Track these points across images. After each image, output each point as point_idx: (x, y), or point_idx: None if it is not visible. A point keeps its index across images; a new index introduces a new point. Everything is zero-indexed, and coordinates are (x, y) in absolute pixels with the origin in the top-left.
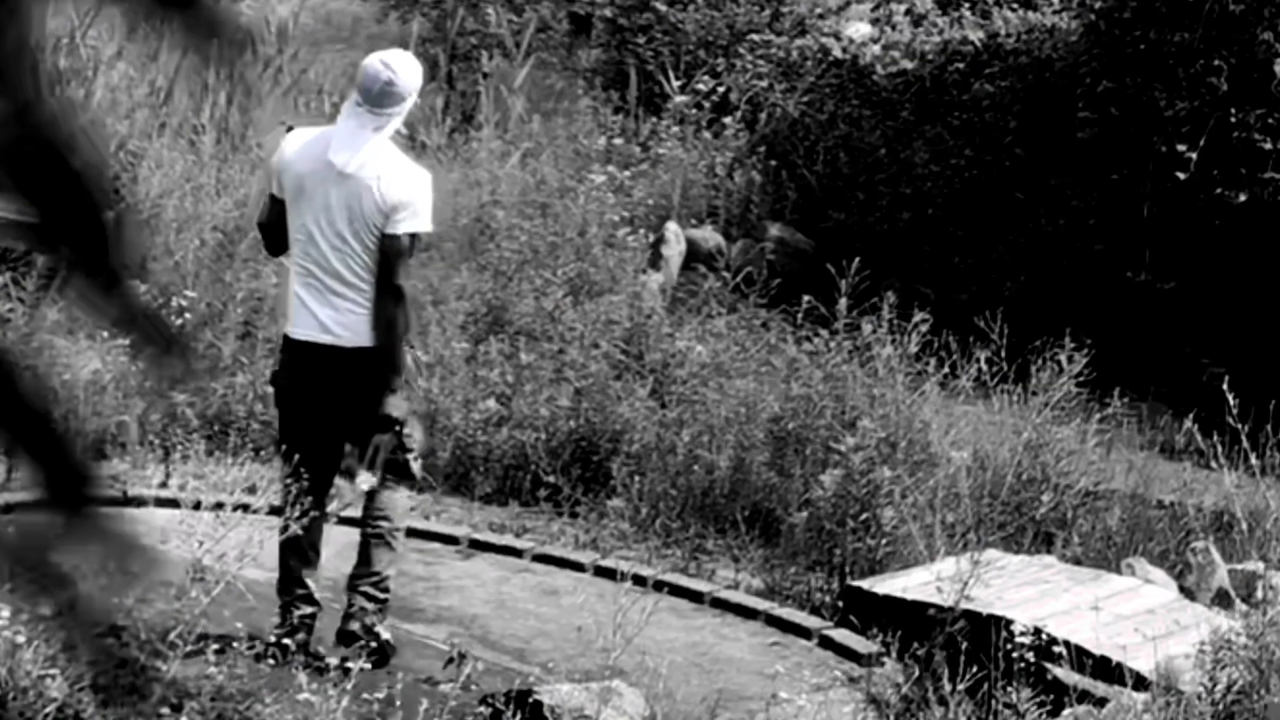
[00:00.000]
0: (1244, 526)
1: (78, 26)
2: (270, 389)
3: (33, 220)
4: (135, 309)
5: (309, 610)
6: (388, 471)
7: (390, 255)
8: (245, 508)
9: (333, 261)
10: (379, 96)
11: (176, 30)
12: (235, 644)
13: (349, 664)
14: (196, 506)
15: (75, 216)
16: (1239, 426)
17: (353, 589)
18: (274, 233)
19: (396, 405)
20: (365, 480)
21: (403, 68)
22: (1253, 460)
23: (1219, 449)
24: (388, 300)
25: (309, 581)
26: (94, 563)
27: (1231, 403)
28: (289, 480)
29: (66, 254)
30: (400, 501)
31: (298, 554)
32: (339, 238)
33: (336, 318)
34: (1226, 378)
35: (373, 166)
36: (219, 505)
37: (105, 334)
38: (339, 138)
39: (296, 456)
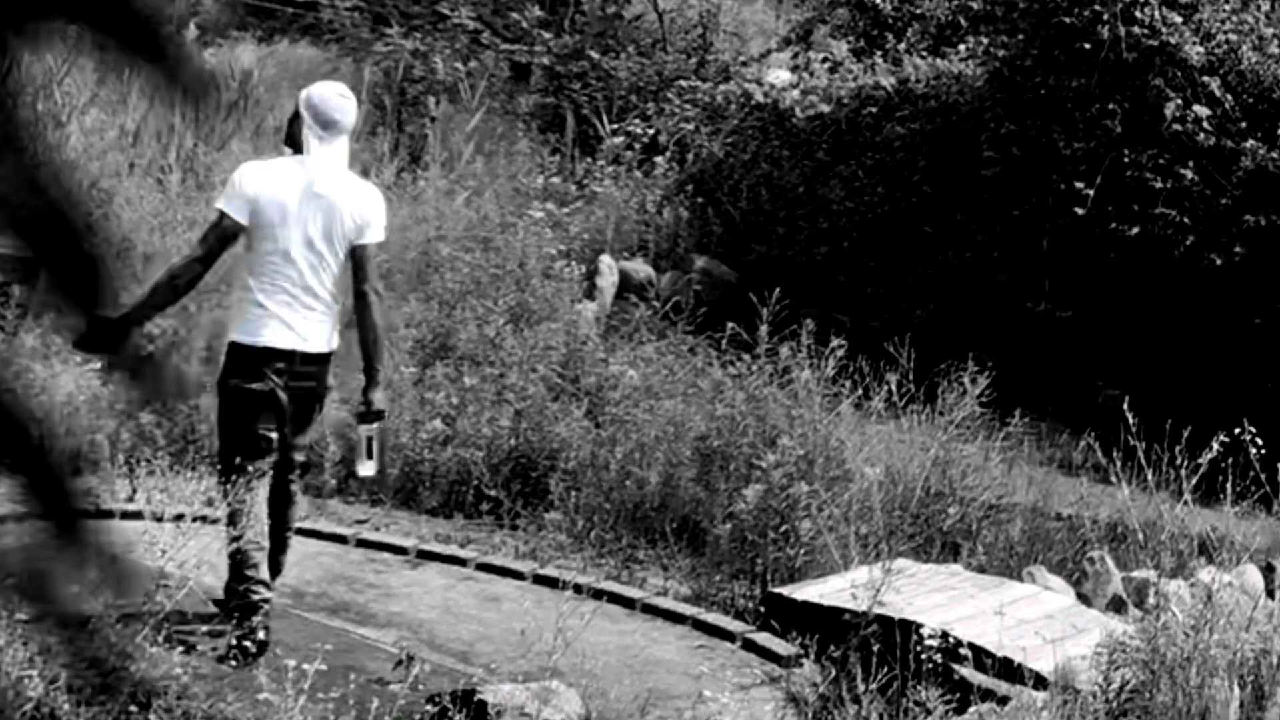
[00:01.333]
0: (1138, 537)
1: (54, 74)
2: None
3: (14, 253)
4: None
5: (265, 595)
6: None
7: (366, 263)
8: (204, 519)
9: (307, 277)
10: (339, 125)
11: (147, 79)
12: (198, 646)
13: (305, 665)
14: (159, 519)
15: (59, 249)
16: (1135, 445)
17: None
18: (204, 265)
19: (381, 399)
20: (366, 468)
21: (351, 98)
22: (1147, 475)
23: (1116, 464)
24: (370, 301)
25: (261, 568)
26: (76, 571)
27: (1131, 421)
28: (233, 470)
29: (50, 283)
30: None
31: (246, 549)
32: (317, 255)
33: (307, 327)
34: (1123, 399)
35: (343, 187)
36: (179, 517)
37: (79, 358)
38: (318, 164)
39: (240, 454)
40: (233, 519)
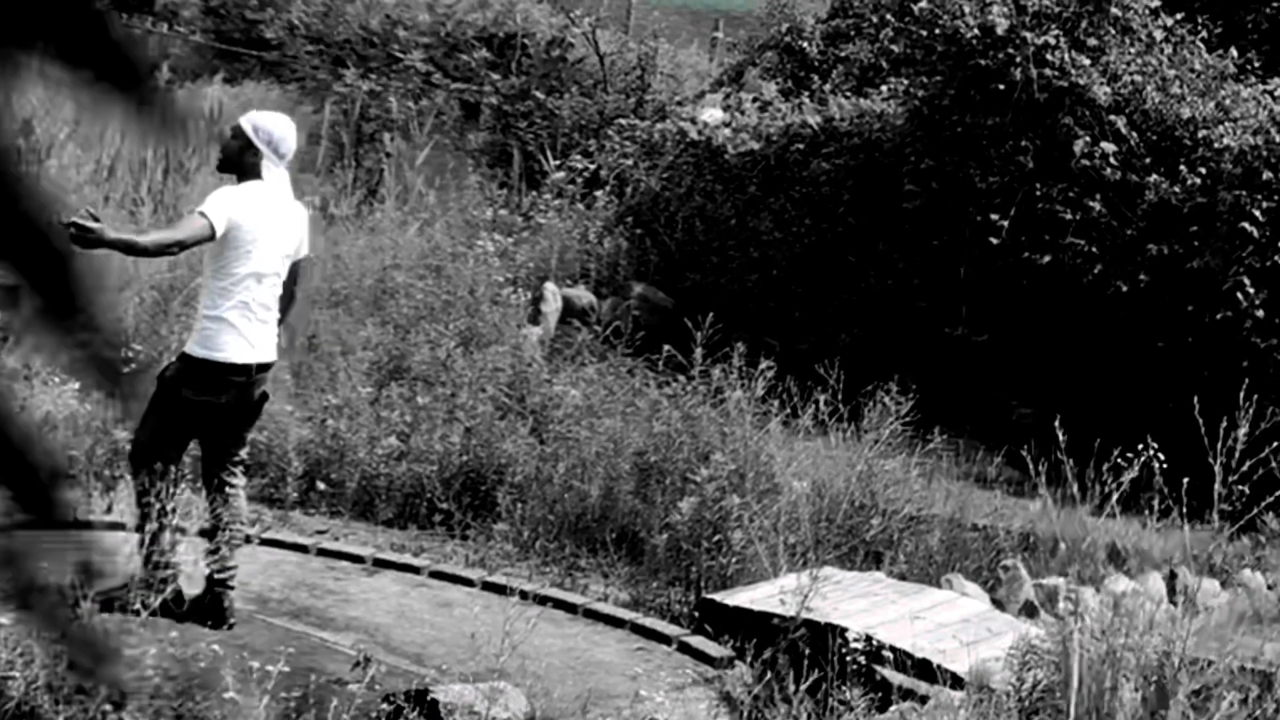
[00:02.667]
0: (1048, 547)
1: (35, 112)
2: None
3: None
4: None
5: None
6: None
7: (308, 270)
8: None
9: (267, 294)
10: (291, 152)
11: (123, 116)
12: (170, 648)
13: (269, 667)
14: (138, 528)
15: (42, 275)
16: (1045, 460)
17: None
18: (168, 257)
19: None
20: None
21: (294, 126)
22: (1056, 489)
23: (1036, 478)
24: (308, 307)
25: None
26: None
27: (1061, 439)
28: (149, 467)
29: (35, 307)
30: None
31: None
32: (276, 274)
33: (262, 338)
34: (1034, 417)
35: (295, 209)
36: (159, 528)
37: (58, 379)
38: (281, 189)
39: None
40: (155, 538)
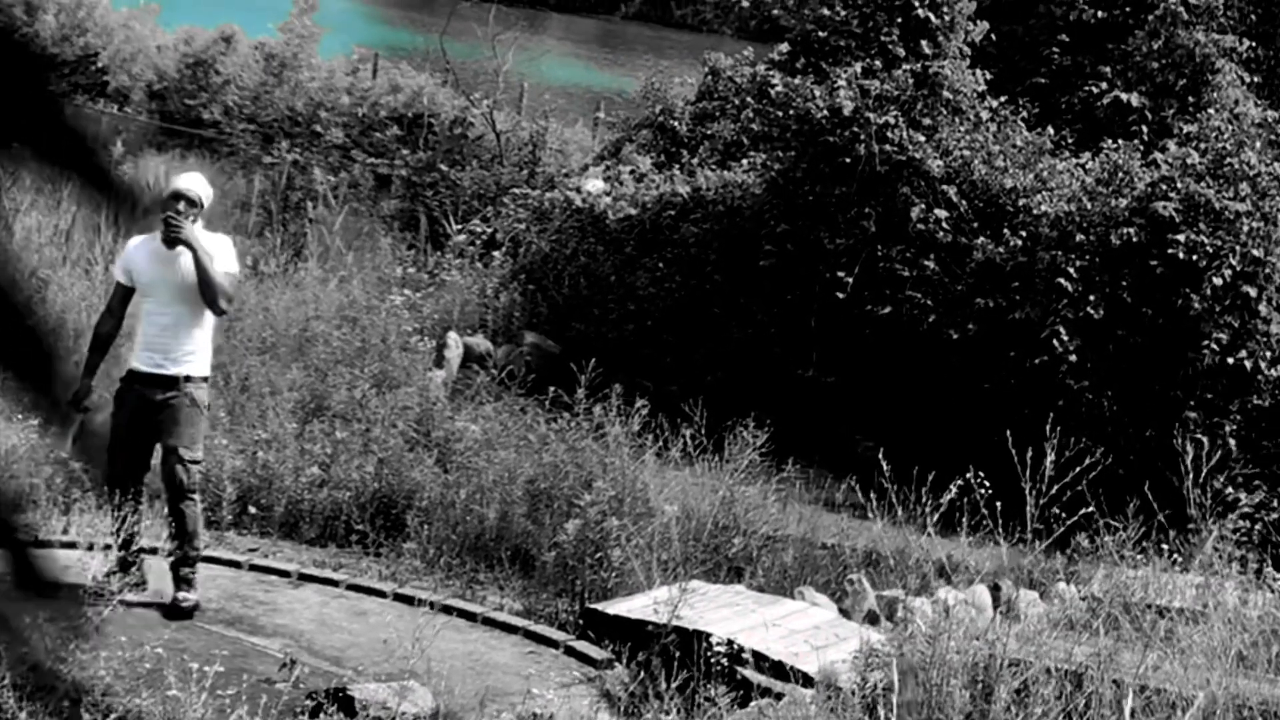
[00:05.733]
0: (888, 563)
1: (3, 184)
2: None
3: None
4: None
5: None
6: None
7: None
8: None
9: None
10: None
11: (76, 189)
12: (120, 651)
13: (206, 668)
14: (90, 548)
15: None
16: (886, 486)
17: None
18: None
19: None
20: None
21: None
22: (896, 512)
23: (873, 503)
24: None
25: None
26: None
27: (882, 468)
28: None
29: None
30: None
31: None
32: None
33: None
34: (877, 449)
35: None
36: (107, 546)
37: (20, 415)
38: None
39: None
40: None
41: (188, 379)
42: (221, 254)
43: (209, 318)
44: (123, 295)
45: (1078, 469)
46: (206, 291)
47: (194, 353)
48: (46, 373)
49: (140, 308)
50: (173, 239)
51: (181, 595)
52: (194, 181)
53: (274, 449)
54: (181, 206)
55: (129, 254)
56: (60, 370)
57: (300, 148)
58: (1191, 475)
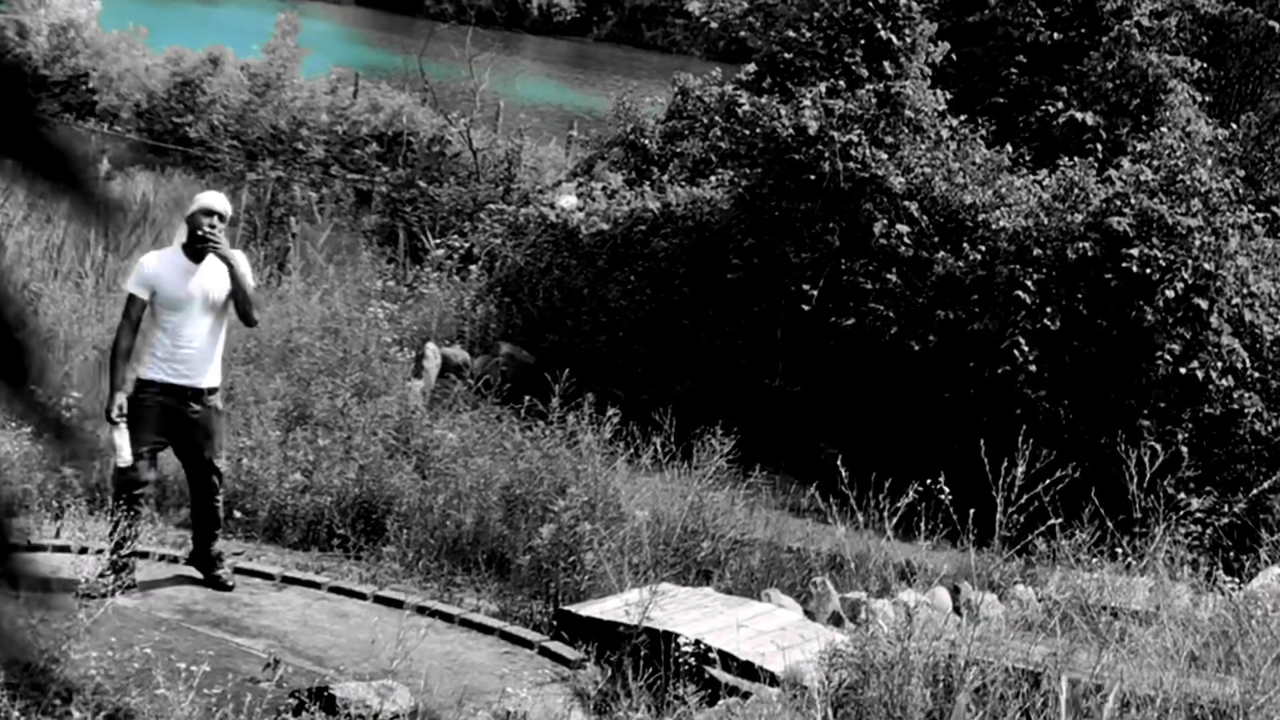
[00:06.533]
0: (851, 566)
1: None
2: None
3: None
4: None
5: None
6: None
7: None
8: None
9: None
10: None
11: (66, 206)
12: (109, 651)
13: (193, 667)
14: (82, 551)
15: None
16: (848, 493)
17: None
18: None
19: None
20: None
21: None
22: (859, 517)
23: (833, 509)
24: None
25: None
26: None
27: (844, 475)
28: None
29: None
30: None
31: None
32: None
33: None
34: (840, 456)
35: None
36: (99, 551)
37: (12, 424)
38: None
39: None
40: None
41: (211, 390)
42: (244, 267)
43: (225, 329)
44: (140, 309)
45: (1034, 474)
46: (242, 303)
47: (215, 363)
48: (38, 383)
49: (157, 320)
50: (213, 252)
51: (223, 573)
52: (219, 199)
53: (258, 456)
54: (215, 221)
55: (152, 269)
56: (51, 381)
57: (283, 165)
58: (1136, 479)
